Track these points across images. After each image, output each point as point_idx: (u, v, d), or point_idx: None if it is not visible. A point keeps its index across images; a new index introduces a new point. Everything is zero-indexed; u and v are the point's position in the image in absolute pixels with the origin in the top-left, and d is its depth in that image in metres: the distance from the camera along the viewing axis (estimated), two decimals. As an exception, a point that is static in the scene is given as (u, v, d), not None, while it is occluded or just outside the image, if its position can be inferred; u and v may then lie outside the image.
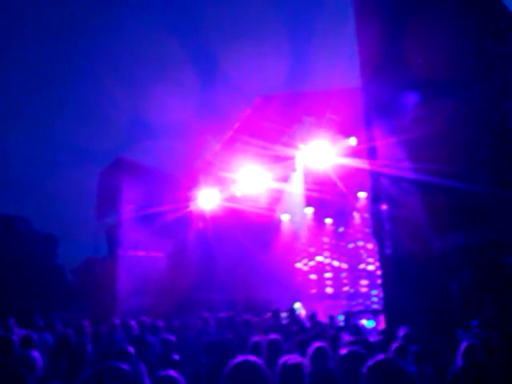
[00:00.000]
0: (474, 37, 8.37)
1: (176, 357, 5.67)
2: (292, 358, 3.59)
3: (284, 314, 12.23)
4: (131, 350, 4.78)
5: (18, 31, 47.43)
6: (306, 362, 3.81)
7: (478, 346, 4.76)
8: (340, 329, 9.66)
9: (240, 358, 2.69)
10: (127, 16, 50.65)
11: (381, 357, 2.90)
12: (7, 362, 4.21)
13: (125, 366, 2.79)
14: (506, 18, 8.39)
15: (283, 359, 3.63)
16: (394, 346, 5.13)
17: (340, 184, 16.06)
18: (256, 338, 5.21)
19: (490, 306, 7.83)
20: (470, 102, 8.26)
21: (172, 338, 5.98)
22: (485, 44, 8.31)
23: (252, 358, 2.71)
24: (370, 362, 2.86)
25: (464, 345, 4.72)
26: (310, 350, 4.63)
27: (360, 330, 8.65)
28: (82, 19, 47.74)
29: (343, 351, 4.34)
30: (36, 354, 3.92)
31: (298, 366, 3.45)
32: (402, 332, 6.62)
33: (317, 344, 4.76)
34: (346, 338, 6.62)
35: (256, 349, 4.78)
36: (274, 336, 5.22)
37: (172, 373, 3.01)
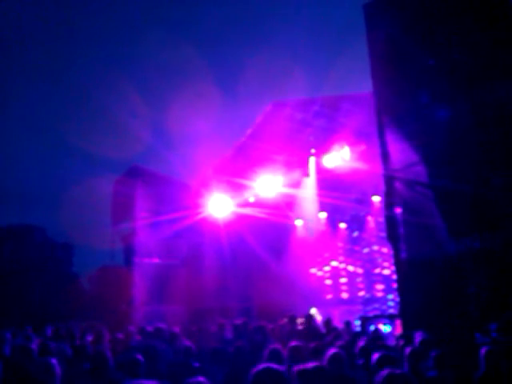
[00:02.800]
0: (487, 40, 8.33)
1: (196, 364, 5.68)
2: (310, 363, 3.58)
3: (300, 320, 12.21)
4: (141, 358, 4.71)
5: (38, 38, 48.17)
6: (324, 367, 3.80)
7: (498, 351, 4.70)
8: (356, 334, 9.61)
9: (262, 366, 2.69)
10: (146, 27, 51.23)
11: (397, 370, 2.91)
12: (27, 370, 4.26)
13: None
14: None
15: (300, 365, 3.62)
16: (409, 350, 5.07)
17: (353, 189, 16.03)
18: (274, 346, 5.18)
19: (508, 310, 7.74)
20: (484, 104, 8.20)
21: (191, 345, 5.99)
22: (499, 47, 8.26)
23: (274, 365, 2.72)
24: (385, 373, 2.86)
25: (484, 350, 4.66)
26: (327, 356, 4.62)
27: (380, 336, 8.60)
28: (104, 29, 48.36)
29: (375, 356, 4.33)
30: (55, 361, 3.96)
31: (317, 371, 3.44)
32: (418, 337, 6.56)
33: (333, 350, 4.75)
34: (362, 343, 6.59)
35: (275, 356, 4.77)
36: (295, 343, 5.21)
37: (201, 379, 3.01)
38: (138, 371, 4.26)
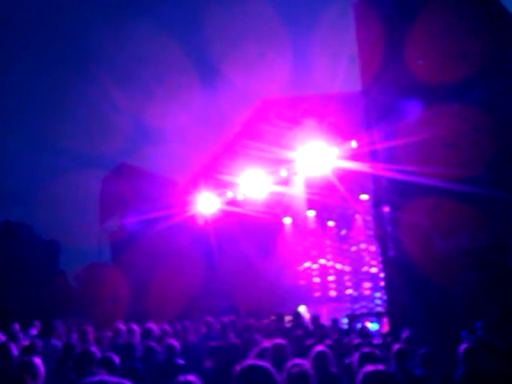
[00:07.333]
0: (475, 39, 8.38)
1: (181, 361, 5.65)
2: (299, 365, 3.57)
3: (288, 318, 12.22)
4: (116, 359, 4.57)
5: (20, 35, 47.59)
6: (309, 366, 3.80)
7: (477, 348, 4.71)
8: (344, 332, 9.64)
9: (249, 363, 2.66)
10: (130, 20, 50.88)
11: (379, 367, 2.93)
12: (8, 369, 4.21)
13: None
14: (507, 19, 8.40)
15: (290, 365, 3.61)
16: (396, 347, 5.07)
17: (341, 187, 16.06)
18: (264, 344, 5.16)
19: (494, 308, 7.81)
20: (472, 104, 8.26)
21: (176, 343, 5.96)
22: (486, 46, 8.31)
23: (261, 362, 2.70)
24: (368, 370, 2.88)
25: (463, 347, 4.67)
26: (312, 354, 4.62)
27: (366, 333, 8.63)
28: (86, 24, 47.91)
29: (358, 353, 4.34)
30: (38, 360, 3.90)
31: (304, 375, 3.44)
32: (404, 334, 6.60)
33: (318, 348, 4.75)
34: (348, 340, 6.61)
35: (262, 354, 4.75)
36: (279, 340, 5.19)
37: (191, 378, 2.98)
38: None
